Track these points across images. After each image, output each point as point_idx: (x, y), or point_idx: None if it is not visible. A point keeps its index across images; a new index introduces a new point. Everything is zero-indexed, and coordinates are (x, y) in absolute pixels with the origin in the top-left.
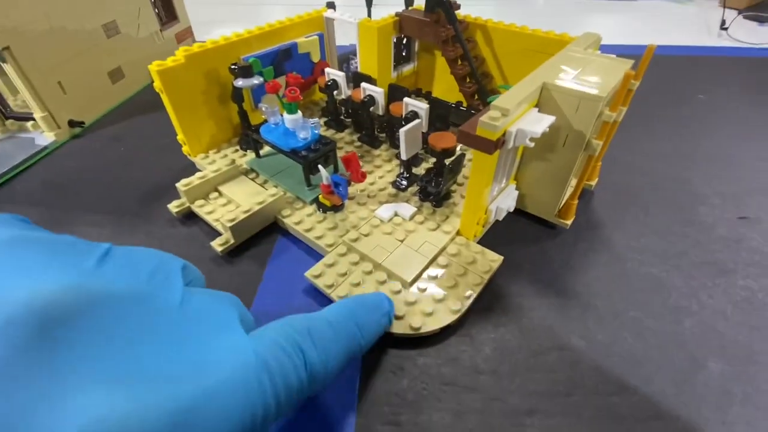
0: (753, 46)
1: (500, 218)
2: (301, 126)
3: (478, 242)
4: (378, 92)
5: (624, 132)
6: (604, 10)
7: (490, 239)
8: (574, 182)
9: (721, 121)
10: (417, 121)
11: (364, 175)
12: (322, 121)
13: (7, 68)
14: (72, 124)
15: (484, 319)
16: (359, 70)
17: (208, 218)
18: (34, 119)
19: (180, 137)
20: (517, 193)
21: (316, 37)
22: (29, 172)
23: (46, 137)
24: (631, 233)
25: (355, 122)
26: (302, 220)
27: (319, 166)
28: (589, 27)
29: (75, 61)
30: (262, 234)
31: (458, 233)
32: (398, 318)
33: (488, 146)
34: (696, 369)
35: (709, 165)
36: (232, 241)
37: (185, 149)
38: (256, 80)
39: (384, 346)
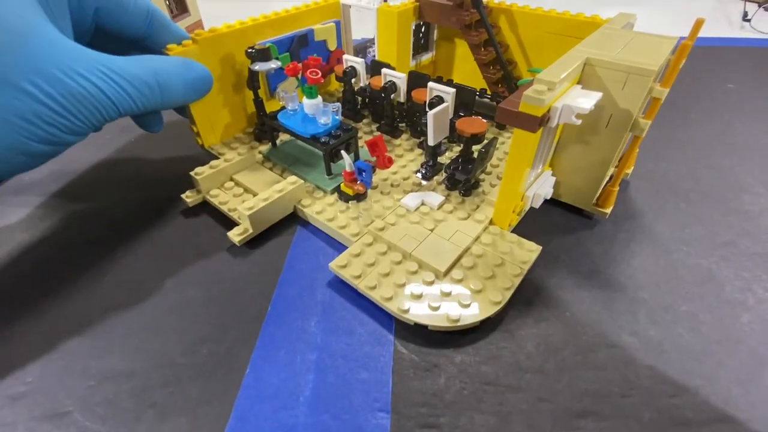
0: None
1: (536, 206)
2: (321, 111)
3: (514, 232)
4: (400, 77)
5: (656, 120)
6: (620, 4)
7: (524, 230)
8: (614, 168)
9: (753, 109)
10: (445, 104)
11: (390, 161)
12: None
13: None
14: None
15: (524, 313)
16: (377, 58)
17: (224, 208)
18: None
19: (193, 126)
20: (554, 179)
21: (332, 24)
22: None
23: None
24: (674, 223)
25: (373, 112)
26: (324, 209)
27: (343, 152)
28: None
29: None
30: (280, 225)
31: (491, 223)
32: (434, 309)
33: (532, 123)
34: (761, 367)
35: (747, 153)
36: (250, 231)
37: (199, 140)
38: (274, 64)
39: (415, 343)
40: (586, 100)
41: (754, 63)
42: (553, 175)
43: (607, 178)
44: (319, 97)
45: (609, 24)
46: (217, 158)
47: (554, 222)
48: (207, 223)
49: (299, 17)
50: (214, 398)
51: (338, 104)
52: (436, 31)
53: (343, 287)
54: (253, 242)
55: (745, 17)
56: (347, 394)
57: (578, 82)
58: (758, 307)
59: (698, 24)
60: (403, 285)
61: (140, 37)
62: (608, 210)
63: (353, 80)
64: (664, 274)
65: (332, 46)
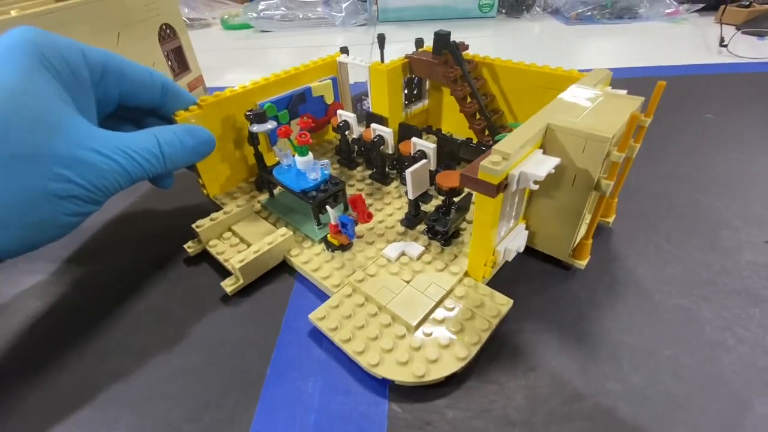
0: (755, 60)
1: (509, 259)
2: (311, 167)
3: (492, 283)
4: (387, 132)
5: (638, 156)
6: (600, 34)
7: (506, 279)
8: (587, 221)
9: (732, 140)
10: (423, 161)
11: (370, 216)
12: (335, 159)
13: None
14: None
15: (513, 365)
16: (371, 110)
17: (220, 258)
18: None
19: (199, 179)
20: (526, 233)
21: (329, 81)
22: None
23: None
24: (656, 263)
25: (366, 160)
26: (310, 259)
27: (327, 207)
28: (586, 52)
29: None
30: (277, 279)
31: (466, 274)
32: (402, 364)
33: (490, 190)
34: (742, 411)
35: (726, 187)
36: (241, 281)
37: (204, 190)
38: (270, 125)
39: (409, 399)
40: (542, 167)
41: (732, 90)
42: (528, 227)
43: (581, 231)
44: (310, 155)
45: (582, 81)
46: (220, 208)
47: (538, 271)
48: (208, 273)
49: (298, 77)
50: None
51: (327, 161)
52: (428, 82)
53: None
54: (252, 299)
55: (722, 42)
56: None
57: (541, 146)
58: (738, 348)
59: (659, 88)
60: (376, 338)
61: (156, 107)
62: (584, 262)
63: (347, 132)
64: (647, 317)
65: (329, 100)
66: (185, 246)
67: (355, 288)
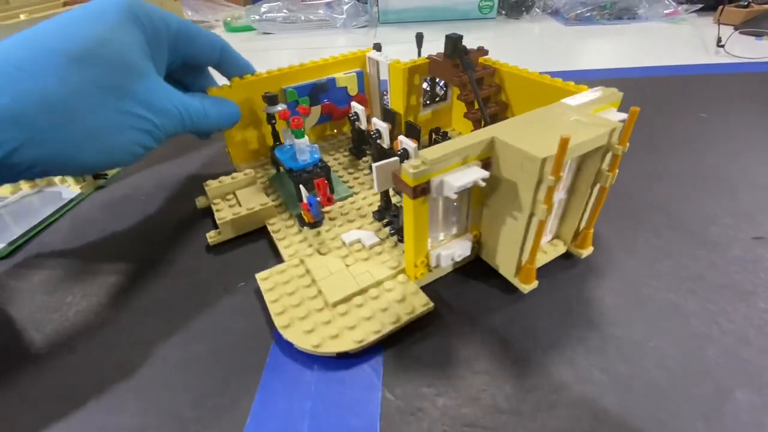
0: (751, 60)
1: (443, 265)
2: (302, 149)
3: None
4: (383, 127)
5: (629, 155)
6: (599, 35)
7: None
8: (529, 245)
9: (725, 138)
10: (393, 159)
11: (330, 201)
12: (348, 148)
13: None
14: (96, 176)
15: (502, 356)
16: (390, 106)
17: (216, 214)
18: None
19: (227, 149)
20: (469, 244)
21: (354, 74)
22: (56, 224)
23: (71, 190)
24: (645, 258)
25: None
26: (281, 229)
27: (300, 186)
28: (585, 52)
29: None
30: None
31: (404, 271)
32: (306, 332)
33: (409, 191)
34: (723, 400)
35: (717, 184)
36: (221, 236)
37: (231, 158)
38: (280, 107)
39: (401, 388)
40: (462, 179)
41: (727, 90)
42: (480, 239)
43: (525, 254)
44: (306, 138)
45: (571, 98)
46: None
47: None
48: (211, 269)
49: (326, 67)
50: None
51: (315, 146)
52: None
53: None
54: (255, 293)
55: (719, 43)
56: None
57: (485, 158)
58: (723, 340)
59: (633, 114)
60: (297, 305)
61: (214, 66)
62: (527, 286)
63: (357, 123)
64: (635, 310)
65: (353, 92)
66: (196, 200)
67: (302, 260)
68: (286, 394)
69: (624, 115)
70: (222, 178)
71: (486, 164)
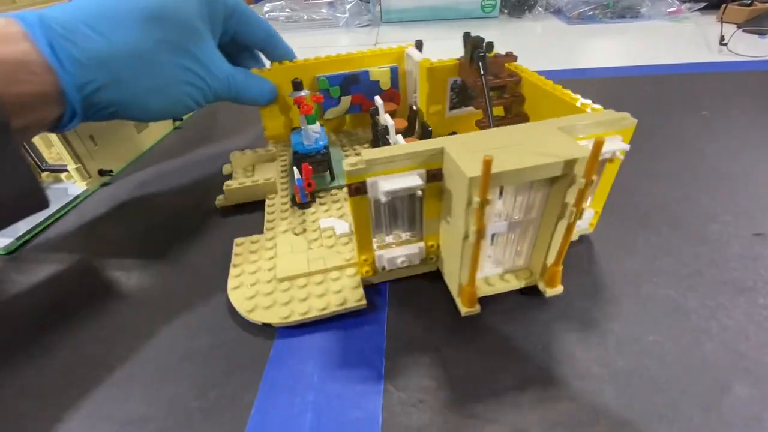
0: (754, 59)
1: (388, 267)
2: (308, 135)
3: None
4: (390, 123)
5: (630, 154)
6: (602, 34)
7: None
8: (466, 268)
9: (726, 137)
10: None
11: (311, 185)
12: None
13: None
14: (102, 173)
15: (504, 350)
16: (417, 104)
17: (232, 179)
18: (67, 170)
19: (263, 124)
20: (418, 251)
21: (388, 68)
22: (63, 220)
23: (78, 187)
24: (645, 256)
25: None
26: (274, 205)
27: (294, 168)
28: (587, 51)
29: None
30: None
31: (355, 265)
32: (247, 298)
33: (348, 187)
34: (722, 394)
35: (718, 182)
36: (226, 202)
37: (265, 132)
38: (303, 93)
39: (403, 381)
40: (392, 184)
41: (729, 88)
42: (437, 252)
43: (464, 276)
44: (316, 124)
45: (577, 117)
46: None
47: None
48: (216, 265)
49: (363, 60)
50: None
51: (325, 134)
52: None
53: (338, 331)
54: None
55: (722, 41)
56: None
57: (434, 168)
58: (721, 335)
59: (597, 145)
60: (253, 273)
61: (260, 48)
62: (464, 309)
63: (376, 116)
64: (634, 306)
65: (385, 86)
66: (222, 167)
67: (274, 235)
68: (288, 387)
69: (624, 146)
70: (247, 150)
71: (436, 175)
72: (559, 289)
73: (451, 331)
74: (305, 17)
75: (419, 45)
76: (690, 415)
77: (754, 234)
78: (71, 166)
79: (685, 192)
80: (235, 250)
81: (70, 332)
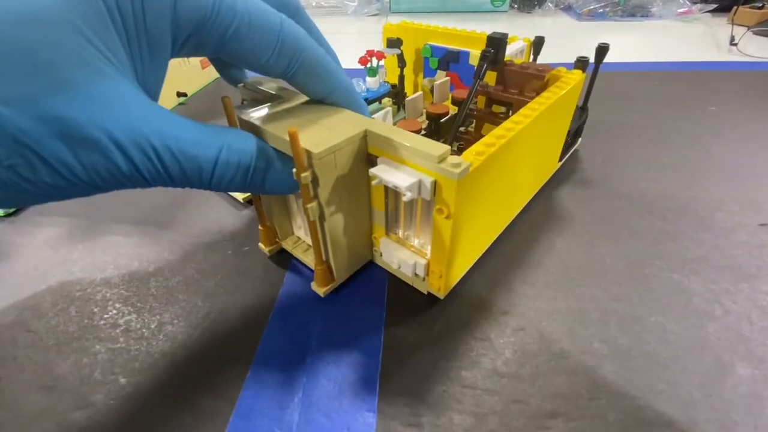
0: (764, 60)
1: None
2: (361, 87)
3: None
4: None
5: (639, 145)
6: (611, 31)
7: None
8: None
9: (733, 131)
10: (419, 94)
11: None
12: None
13: None
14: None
15: (503, 323)
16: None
17: None
18: None
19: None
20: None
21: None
22: None
23: None
24: (649, 240)
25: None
26: None
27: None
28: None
29: None
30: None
31: None
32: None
33: None
34: (724, 373)
35: (725, 174)
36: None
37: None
38: (396, 51)
39: (401, 349)
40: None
41: (738, 86)
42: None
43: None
44: (377, 76)
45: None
46: None
47: (534, 238)
48: (223, 231)
49: (473, 39)
50: (219, 398)
51: (380, 80)
52: None
53: (336, 305)
54: (259, 259)
55: (732, 42)
56: (338, 396)
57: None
58: (725, 318)
59: (293, 135)
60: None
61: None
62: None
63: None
64: (637, 287)
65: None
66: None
67: None
68: (293, 335)
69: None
70: None
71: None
72: (326, 289)
73: (451, 304)
74: (314, 3)
75: (540, 42)
76: (689, 391)
77: (760, 224)
78: None
79: (691, 181)
80: None
81: (67, 292)
